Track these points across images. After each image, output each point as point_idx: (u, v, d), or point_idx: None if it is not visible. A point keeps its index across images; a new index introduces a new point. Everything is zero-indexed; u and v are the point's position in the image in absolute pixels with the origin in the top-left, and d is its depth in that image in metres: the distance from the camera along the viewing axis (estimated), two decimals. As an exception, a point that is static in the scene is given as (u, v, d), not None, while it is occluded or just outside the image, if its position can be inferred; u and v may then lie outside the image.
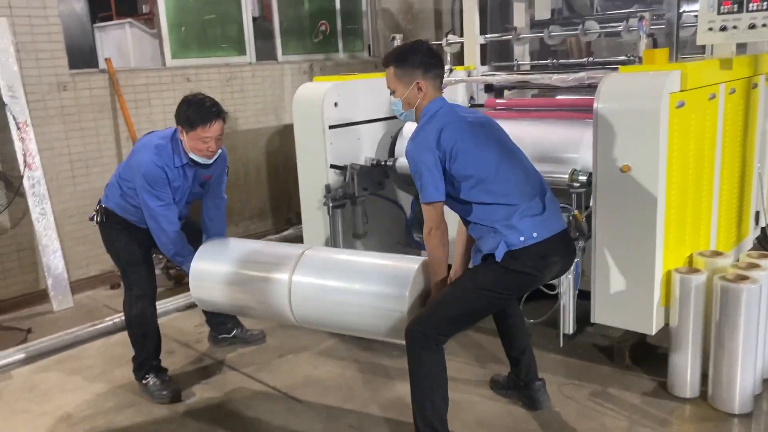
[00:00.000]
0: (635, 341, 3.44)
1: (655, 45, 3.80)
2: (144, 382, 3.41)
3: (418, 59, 2.62)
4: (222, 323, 3.94)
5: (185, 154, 3.25)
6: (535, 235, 2.55)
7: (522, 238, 2.54)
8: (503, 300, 2.75)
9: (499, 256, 2.55)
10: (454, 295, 2.63)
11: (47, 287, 4.74)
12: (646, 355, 3.45)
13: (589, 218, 3.18)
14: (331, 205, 4.11)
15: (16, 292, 4.77)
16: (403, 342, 2.62)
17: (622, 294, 3.12)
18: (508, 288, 2.62)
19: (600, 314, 3.22)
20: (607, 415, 2.99)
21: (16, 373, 3.77)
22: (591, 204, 3.19)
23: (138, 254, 3.43)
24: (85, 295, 4.97)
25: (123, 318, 4.14)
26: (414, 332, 2.57)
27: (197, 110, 3.16)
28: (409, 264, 2.89)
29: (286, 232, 6.24)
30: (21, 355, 3.90)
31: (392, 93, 2.71)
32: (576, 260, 3.17)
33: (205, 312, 3.87)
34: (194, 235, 3.55)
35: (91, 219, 3.49)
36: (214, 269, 3.33)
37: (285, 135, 6.35)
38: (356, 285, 2.95)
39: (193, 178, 3.36)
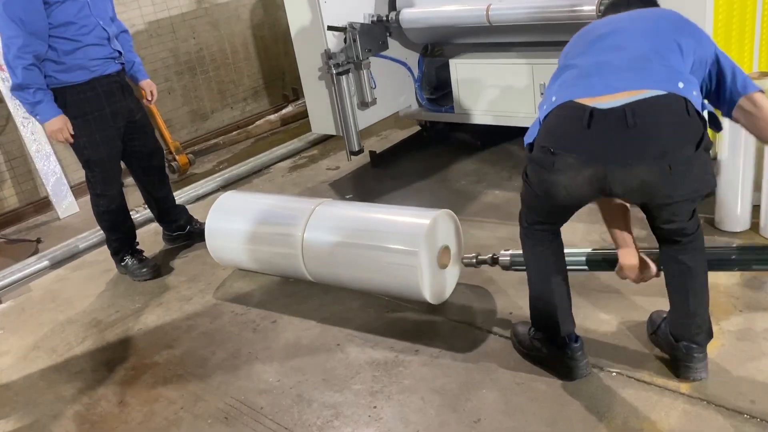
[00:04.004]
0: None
1: None
2: (123, 264, 3.48)
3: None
4: (174, 220, 3.75)
5: None
6: (554, 99, 1.84)
7: (545, 106, 1.91)
8: (541, 201, 2.03)
9: (526, 138, 2.01)
10: None
11: (48, 194, 4.53)
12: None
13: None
14: (334, 72, 3.78)
15: (16, 203, 4.57)
16: (421, 300, 2.60)
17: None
18: (534, 184, 1.99)
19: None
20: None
21: (34, 285, 3.65)
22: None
23: (103, 151, 3.25)
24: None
25: (134, 217, 4.04)
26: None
27: None
28: (422, 219, 2.70)
29: (284, 111, 5.93)
30: (36, 266, 3.77)
31: None
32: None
33: (151, 207, 3.72)
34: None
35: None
36: (228, 228, 3.19)
37: (269, 2, 5.86)
38: (368, 241, 2.79)
39: None
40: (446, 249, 2.77)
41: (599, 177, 1.77)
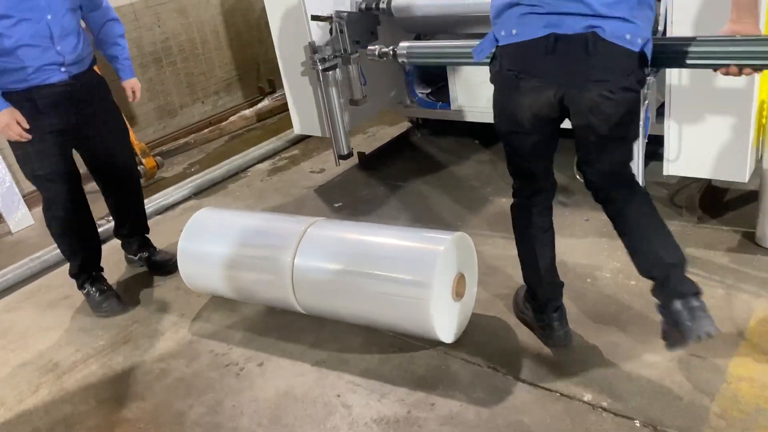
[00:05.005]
0: (702, 189, 2.94)
1: None
2: (83, 291, 3.04)
3: None
4: (127, 243, 3.30)
5: None
6: (514, 32, 1.91)
7: (503, 32, 1.94)
8: (511, 136, 2.09)
9: (478, 53, 2.03)
10: None
11: (-3, 206, 4.05)
12: (715, 203, 2.97)
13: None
14: (320, 68, 3.36)
15: (-39, 217, 4.08)
16: (433, 339, 2.34)
17: (706, 136, 2.55)
18: (496, 108, 2.08)
19: (675, 165, 2.66)
20: (696, 282, 2.52)
21: (-19, 315, 3.19)
22: (661, 21, 2.52)
23: (52, 164, 2.75)
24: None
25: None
26: None
27: None
28: (435, 245, 2.34)
29: (260, 105, 5.47)
30: (-17, 293, 3.31)
31: None
32: (646, 102, 2.55)
33: (113, 218, 3.28)
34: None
35: None
36: (204, 251, 2.76)
37: (241, -13, 5.38)
38: (371, 269, 2.40)
39: None
40: (461, 278, 2.40)
41: (558, 97, 1.92)
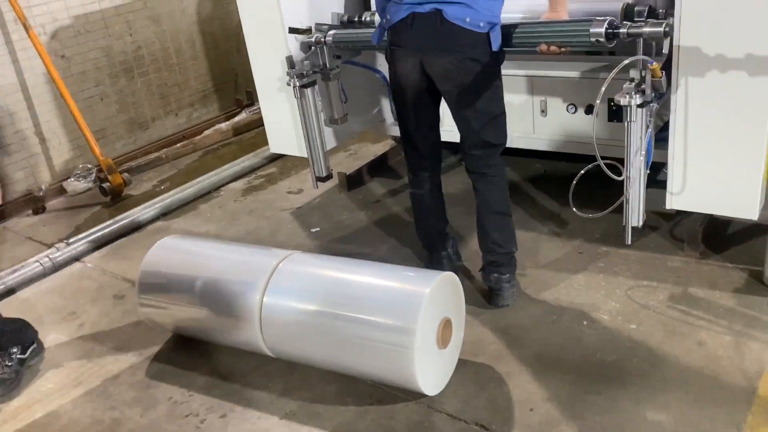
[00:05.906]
0: (703, 223, 2.74)
1: None
2: None
3: None
4: None
5: None
6: (389, 18, 2.42)
7: (383, 20, 2.49)
8: (397, 101, 2.58)
9: (374, 38, 2.60)
10: None
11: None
12: (717, 238, 2.78)
13: (668, 69, 2.31)
14: (297, 84, 3.13)
15: None
16: (415, 390, 2.13)
17: (713, 169, 2.35)
18: (391, 81, 2.58)
19: (679, 198, 2.45)
20: (701, 327, 2.32)
21: None
22: (669, 47, 2.32)
23: None
24: None
25: (53, 256, 3.38)
26: None
27: None
28: (420, 286, 2.12)
29: (237, 118, 5.22)
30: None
31: None
32: (648, 130, 2.35)
33: None
34: None
35: None
36: (164, 285, 2.53)
37: (218, -5, 5.15)
38: (348, 312, 2.17)
39: None
40: (447, 323, 2.18)
41: (420, 63, 2.37)
